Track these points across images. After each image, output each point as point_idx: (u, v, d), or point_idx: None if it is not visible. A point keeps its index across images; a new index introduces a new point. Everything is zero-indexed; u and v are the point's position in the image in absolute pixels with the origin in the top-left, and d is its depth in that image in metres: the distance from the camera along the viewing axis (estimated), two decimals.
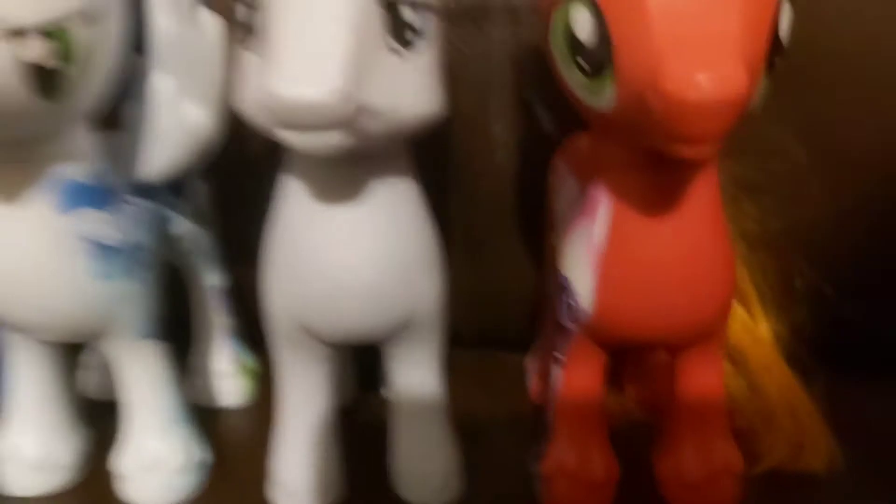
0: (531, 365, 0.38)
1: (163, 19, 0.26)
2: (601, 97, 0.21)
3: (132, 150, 0.28)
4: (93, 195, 0.26)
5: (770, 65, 0.21)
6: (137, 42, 0.28)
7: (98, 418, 0.32)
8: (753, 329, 0.35)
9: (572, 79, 0.22)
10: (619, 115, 0.21)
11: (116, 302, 0.27)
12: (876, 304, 0.37)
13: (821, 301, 0.35)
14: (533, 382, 0.37)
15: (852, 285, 0.36)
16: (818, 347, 0.34)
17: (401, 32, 0.21)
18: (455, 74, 0.35)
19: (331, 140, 0.20)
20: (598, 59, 0.20)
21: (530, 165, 0.37)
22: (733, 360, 0.34)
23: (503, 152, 0.38)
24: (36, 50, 0.21)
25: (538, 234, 0.36)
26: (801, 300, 0.35)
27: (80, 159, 0.25)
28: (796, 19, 0.34)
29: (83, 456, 0.31)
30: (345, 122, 0.20)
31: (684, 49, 0.18)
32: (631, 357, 0.35)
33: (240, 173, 0.35)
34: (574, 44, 0.21)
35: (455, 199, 0.38)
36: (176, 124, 0.26)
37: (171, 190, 0.31)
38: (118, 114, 0.29)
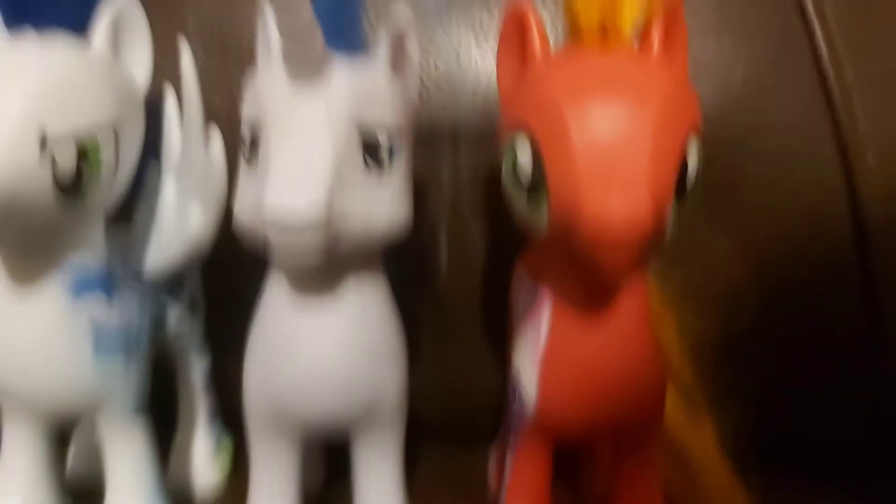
0: (493, 457, 0.41)
1: (174, 134, 0.31)
2: (538, 218, 0.25)
3: (138, 243, 0.32)
4: (101, 282, 0.29)
5: (680, 195, 0.25)
6: (154, 147, 0.33)
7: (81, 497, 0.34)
8: (697, 428, 0.38)
9: (516, 200, 0.26)
10: (552, 234, 0.25)
11: (113, 378, 0.30)
12: (803, 407, 0.40)
13: (757, 404, 0.38)
14: (492, 475, 0.40)
15: (784, 390, 0.39)
16: (756, 447, 0.36)
17: (375, 156, 0.25)
18: (429, 179, 0.40)
19: (312, 244, 0.23)
20: (536, 187, 0.24)
21: (499, 263, 0.41)
22: (677, 456, 0.37)
23: (473, 250, 0.42)
24: (68, 156, 0.25)
25: (505, 329, 0.39)
26: (739, 402, 0.38)
27: (91, 249, 0.29)
28: (733, 152, 0.39)
29: None
30: (325, 232, 0.23)
31: (602, 182, 0.22)
32: (584, 455, 0.38)
33: (231, 269, 0.38)
34: (517, 172, 0.25)
35: (426, 295, 0.42)
36: (178, 227, 0.30)
37: (171, 279, 0.35)
38: (130, 207, 0.33)
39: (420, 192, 0.40)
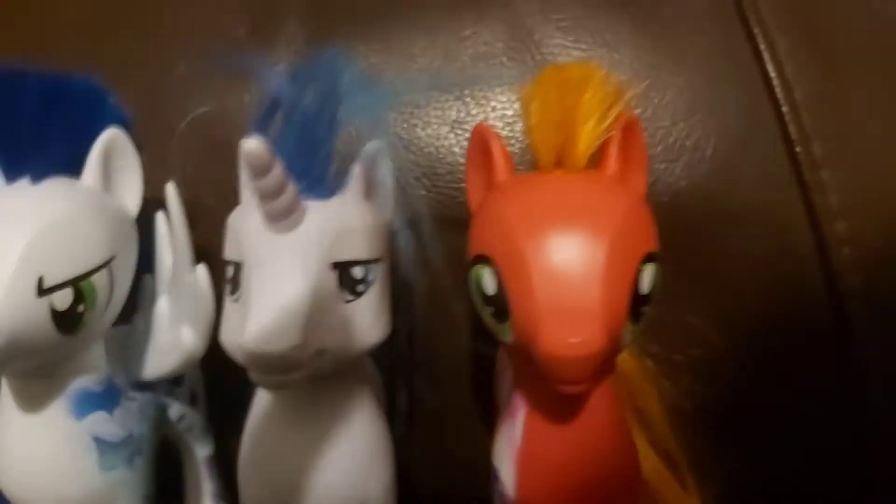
0: None
1: (166, 258, 0.33)
2: (505, 337, 0.27)
3: (137, 353, 0.34)
4: (102, 400, 0.31)
5: (636, 315, 0.26)
6: (149, 259, 0.35)
7: None
8: (684, 498, 0.40)
9: (484, 319, 0.28)
10: (517, 350, 0.27)
11: (118, 489, 0.31)
12: (785, 471, 0.41)
13: (739, 468, 0.39)
14: None
15: (767, 454, 0.41)
16: None
17: (351, 286, 0.27)
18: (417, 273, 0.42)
19: (291, 379, 0.25)
20: (500, 310, 0.26)
21: (491, 344, 0.43)
22: None
23: (464, 330, 0.44)
24: (66, 300, 0.27)
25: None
26: (722, 467, 0.39)
27: (91, 370, 0.31)
28: (706, 226, 0.40)
29: None
30: (303, 367, 0.25)
31: (557, 316, 0.24)
32: None
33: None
34: (483, 295, 0.27)
35: (417, 379, 0.43)
36: (173, 342, 0.32)
37: (170, 379, 0.37)
38: (129, 311, 0.35)
39: (406, 278, 0.42)
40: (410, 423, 0.45)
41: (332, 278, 0.26)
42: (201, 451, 0.40)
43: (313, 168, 0.26)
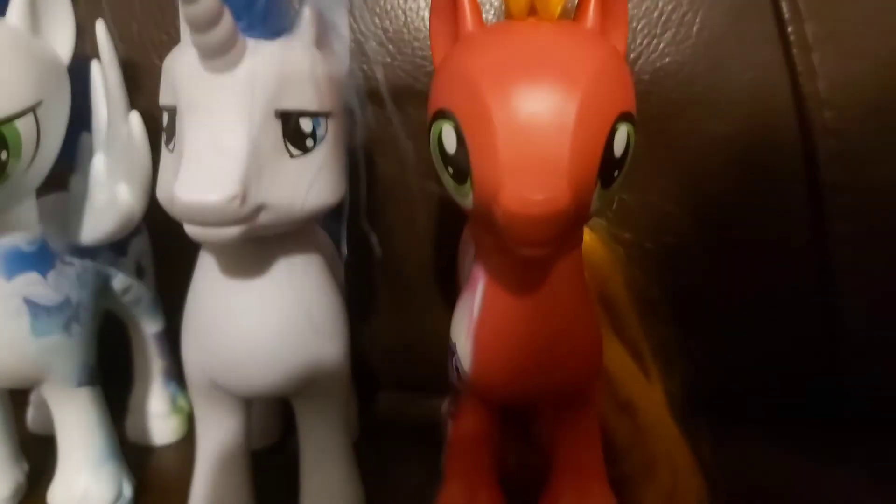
0: (446, 410, 0.41)
1: (101, 111, 0.30)
2: (465, 199, 0.25)
3: (74, 215, 0.32)
4: (35, 260, 0.29)
5: (607, 179, 0.24)
6: (86, 118, 0.32)
7: (37, 453, 0.35)
8: (646, 385, 0.39)
9: (444, 181, 0.26)
10: (478, 214, 0.25)
11: (53, 355, 0.30)
12: (752, 361, 0.41)
13: (704, 357, 0.39)
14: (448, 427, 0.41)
15: (734, 344, 0.40)
16: (703, 400, 0.37)
17: (298, 140, 0.25)
18: (378, 145, 0.39)
19: (228, 234, 0.23)
20: (460, 170, 0.24)
21: (452, 225, 0.41)
22: (624, 412, 0.38)
23: (427, 209, 0.42)
24: None
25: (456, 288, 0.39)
26: (685, 359, 0.39)
27: (23, 228, 0.29)
28: (687, 109, 0.38)
29: (21, 489, 0.34)
30: (241, 220, 0.23)
31: (521, 172, 0.22)
32: (535, 411, 0.39)
33: (177, 226, 0.38)
34: (443, 154, 0.25)
35: (381, 258, 0.42)
36: (109, 201, 0.30)
37: (113, 248, 0.35)
38: (64, 177, 0.33)
39: (370, 153, 0.40)
40: (366, 300, 0.44)
41: (275, 128, 0.24)
42: (150, 327, 0.39)
43: (255, 3, 0.23)
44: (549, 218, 0.22)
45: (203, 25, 0.21)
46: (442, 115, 0.24)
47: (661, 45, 0.38)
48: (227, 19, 0.22)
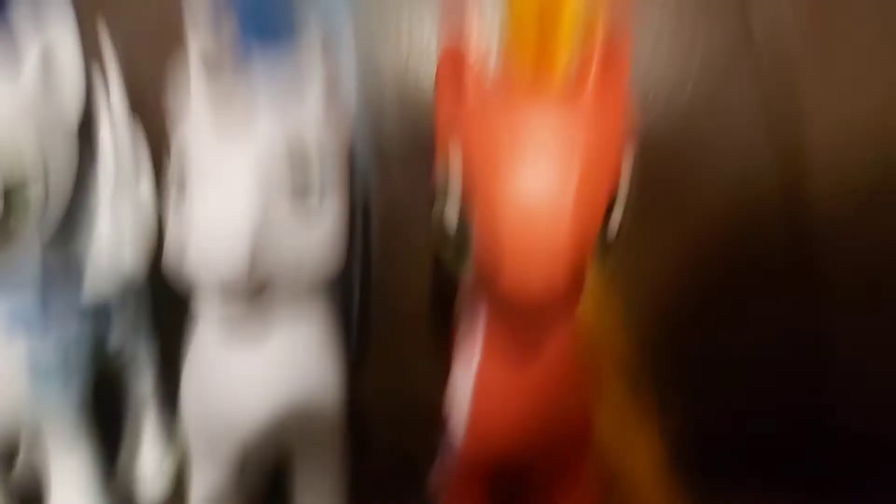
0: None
1: (109, 170, 0.31)
2: (464, 273, 0.25)
3: (75, 276, 0.32)
4: (36, 314, 0.29)
5: (603, 252, 0.25)
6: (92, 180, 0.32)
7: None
8: (635, 446, 0.39)
9: (443, 254, 0.26)
10: (476, 280, 0.25)
11: (51, 404, 0.30)
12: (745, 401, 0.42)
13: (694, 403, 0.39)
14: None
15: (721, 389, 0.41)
16: (694, 459, 0.37)
17: (303, 212, 0.25)
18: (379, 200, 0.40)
19: (235, 305, 0.24)
20: (461, 246, 0.25)
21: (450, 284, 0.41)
22: (616, 473, 0.38)
23: (425, 269, 0.42)
24: None
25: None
26: (679, 402, 0.39)
27: (26, 282, 0.29)
28: (678, 155, 0.39)
29: None
30: (249, 293, 0.24)
31: (519, 255, 0.23)
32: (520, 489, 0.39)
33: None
34: (444, 228, 0.25)
35: (376, 316, 0.42)
36: (112, 262, 0.30)
37: (112, 304, 0.35)
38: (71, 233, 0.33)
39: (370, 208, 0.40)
40: (364, 363, 0.44)
41: (283, 201, 0.25)
42: (143, 387, 0.39)
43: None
44: (543, 297, 0.23)
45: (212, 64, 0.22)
46: (448, 183, 0.25)
47: (661, 93, 0.39)
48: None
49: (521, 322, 0.23)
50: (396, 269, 0.42)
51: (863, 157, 0.39)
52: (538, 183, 0.23)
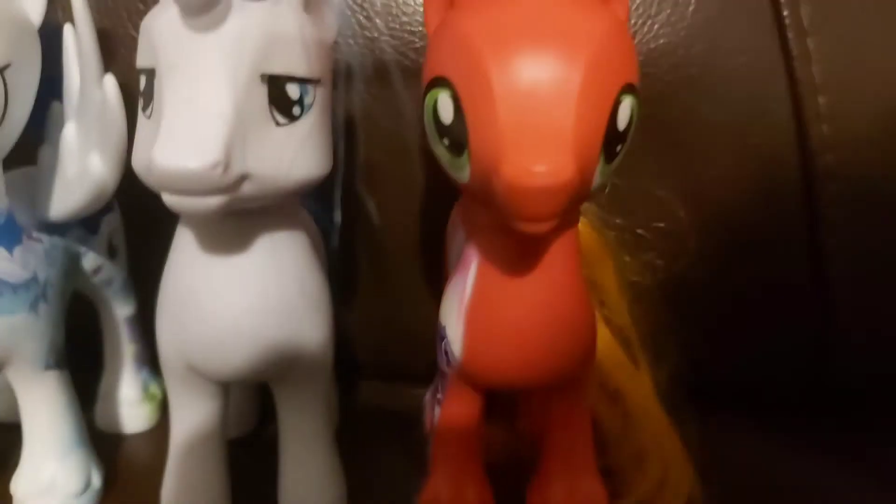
0: (429, 400, 0.40)
1: (74, 77, 0.28)
2: (461, 173, 0.24)
3: (43, 189, 0.30)
4: (0, 234, 0.27)
5: (610, 153, 0.23)
6: (57, 87, 0.30)
7: (1, 441, 0.33)
8: (634, 374, 0.38)
9: (438, 153, 0.24)
10: (474, 189, 0.24)
11: (19, 335, 0.28)
12: (742, 352, 0.40)
13: (695, 347, 0.38)
14: (428, 417, 0.39)
15: (724, 334, 0.39)
16: (693, 390, 0.36)
17: (284, 107, 0.23)
18: (367, 124, 0.38)
19: (210, 204, 0.22)
20: (457, 141, 0.23)
21: (439, 202, 0.40)
22: (613, 401, 0.37)
23: (413, 187, 0.41)
24: None
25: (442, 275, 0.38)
26: (677, 345, 0.38)
27: None
28: (681, 92, 0.38)
29: None
30: (224, 190, 0.22)
31: (523, 141, 0.21)
32: (519, 395, 0.38)
33: (158, 211, 0.36)
34: (439, 125, 0.23)
35: (363, 237, 0.40)
36: (80, 172, 0.28)
37: (84, 225, 0.33)
38: (34, 151, 0.31)
39: (356, 127, 0.38)
40: (350, 286, 0.42)
41: (261, 93, 0.23)
42: (121, 310, 0.37)
43: None
44: (552, 191, 0.21)
45: None
46: (438, 83, 0.23)
47: (656, 26, 0.37)
48: None
49: (524, 216, 0.21)
50: (379, 194, 0.40)
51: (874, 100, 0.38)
52: (542, 66, 0.21)
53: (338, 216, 0.26)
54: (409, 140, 0.39)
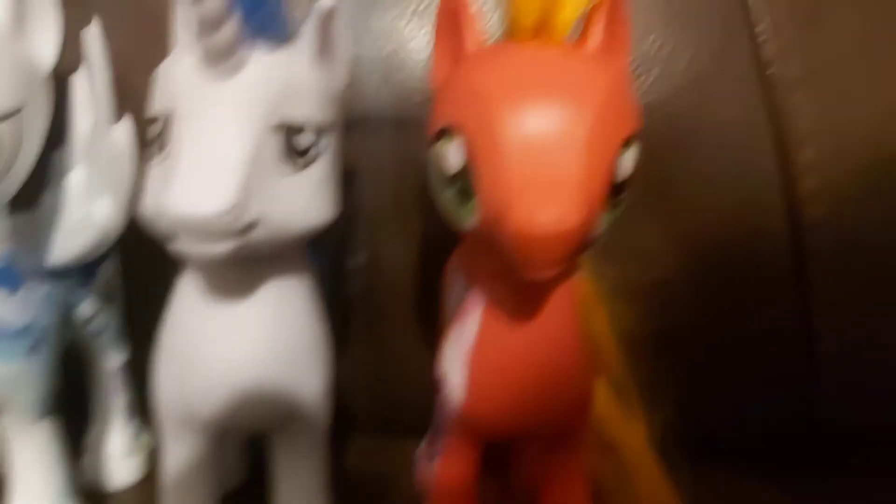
0: (422, 451, 0.40)
1: (83, 122, 0.29)
2: (467, 220, 0.24)
3: (43, 233, 0.30)
4: (1, 278, 0.27)
5: (613, 202, 0.24)
6: (62, 131, 0.30)
7: None
8: (629, 424, 0.38)
9: (444, 200, 0.25)
10: (480, 236, 0.24)
11: (14, 381, 0.28)
12: (735, 402, 0.40)
13: (689, 397, 0.38)
14: (420, 469, 0.39)
15: (717, 384, 0.40)
16: (687, 441, 0.36)
17: (297, 154, 0.24)
18: (365, 164, 0.39)
19: (220, 250, 0.22)
20: (465, 189, 0.23)
21: (434, 253, 0.40)
22: (608, 451, 0.37)
23: (408, 238, 0.41)
24: None
25: (437, 321, 0.38)
26: (671, 395, 0.38)
27: None
28: (671, 146, 0.39)
29: None
30: (235, 235, 0.22)
31: (531, 189, 0.21)
32: (514, 447, 0.37)
33: (154, 258, 0.36)
34: (446, 173, 0.24)
35: (357, 284, 0.40)
36: (84, 218, 0.28)
37: (82, 271, 0.33)
38: (37, 196, 0.31)
39: (353, 179, 0.39)
40: (346, 340, 0.42)
41: (275, 140, 0.23)
42: (112, 360, 0.37)
43: (263, 5, 0.22)
44: (558, 238, 0.21)
45: (211, 24, 0.20)
46: (447, 132, 0.24)
47: (648, 82, 0.39)
48: (234, 20, 0.21)
49: (531, 262, 0.22)
50: (380, 244, 0.41)
51: (859, 153, 0.39)
52: (550, 117, 0.22)
53: (353, 261, 0.26)
54: (404, 190, 0.40)
